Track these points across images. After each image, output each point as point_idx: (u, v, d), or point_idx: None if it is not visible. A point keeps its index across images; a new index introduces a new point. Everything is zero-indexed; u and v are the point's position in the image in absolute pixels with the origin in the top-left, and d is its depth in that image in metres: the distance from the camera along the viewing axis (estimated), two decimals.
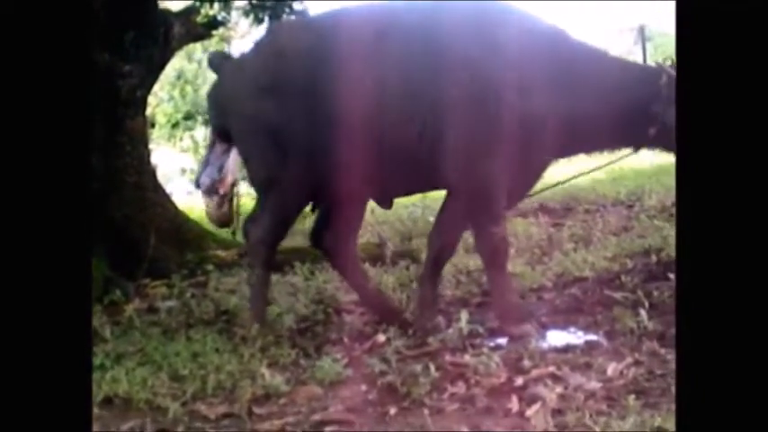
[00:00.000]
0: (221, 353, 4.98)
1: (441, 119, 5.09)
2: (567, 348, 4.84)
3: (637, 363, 4.47)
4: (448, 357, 4.72)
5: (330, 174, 5.30)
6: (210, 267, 7.40)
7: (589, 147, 5.48)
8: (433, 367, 4.40)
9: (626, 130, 5.25)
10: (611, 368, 4.37)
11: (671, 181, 10.93)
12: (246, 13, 12.13)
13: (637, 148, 5.44)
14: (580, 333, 5.16)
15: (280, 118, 5.28)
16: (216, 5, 11.51)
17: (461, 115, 5.08)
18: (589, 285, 6.31)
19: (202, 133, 17.77)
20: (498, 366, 4.42)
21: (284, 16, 11.15)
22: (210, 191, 5.93)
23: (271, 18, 11.58)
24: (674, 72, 4.89)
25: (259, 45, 5.78)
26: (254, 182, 5.79)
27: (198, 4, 11.14)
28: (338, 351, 5.04)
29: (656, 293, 5.67)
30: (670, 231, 7.39)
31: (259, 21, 11.70)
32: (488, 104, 5.05)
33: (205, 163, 6.05)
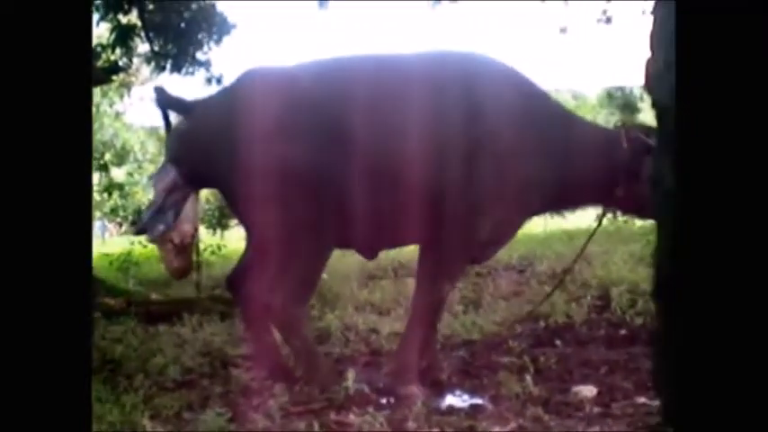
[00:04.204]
0: (103, 402, 4.88)
1: (443, 173, 5.18)
2: (452, 411, 4.84)
3: (520, 428, 4.48)
4: (333, 416, 4.68)
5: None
6: (98, 315, 7.27)
7: (563, 205, 5.82)
8: (317, 425, 4.36)
9: (596, 190, 5.58)
10: None
11: (562, 247, 11.14)
12: (148, 60, 12.12)
13: (605, 206, 5.80)
14: (465, 396, 5.16)
15: (312, 163, 5.11)
16: (118, 51, 11.45)
17: (457, 172, 5.18)
18: (477, 348, 6.36)
19: (96, 177, 17.58)
20: (383, 426, 4.40)
21: (185, 66, 11.16)
22: (164, 239, 5.61)
23: (172, 66, 11.57)
24: (632, 136, 5.44)
25: (252, 90, 5.41)
26: (266, 232, 5.39)
27: (99, 48, 11.06)
28: (223, 405, 4.97)
29: (542, 359, 5.73)
30: (558, 298, 7.50)
31: (161, 68, 11.69)
32: (479, 164, 5.17)
33: (157, 208, 5.60)
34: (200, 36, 11.69)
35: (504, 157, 5.24)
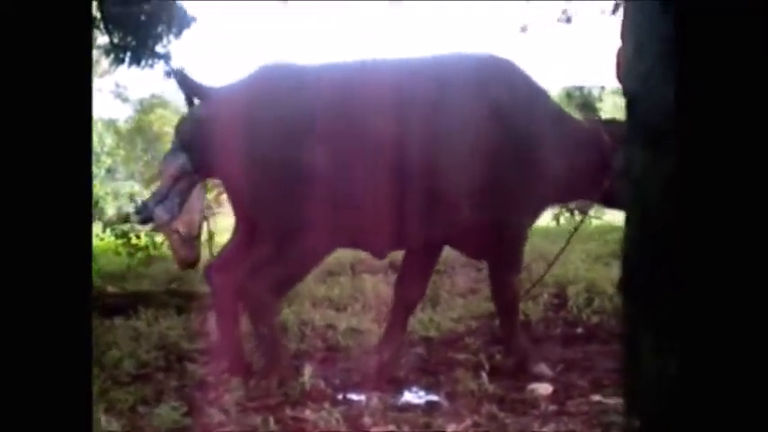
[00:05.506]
0: None
1: (467, 175, 5.35)
2: (408, 408, 4.85)
3: (475, 425, 4.49)
4: (289, 411, 4.67)
5: (356, 224, 5.30)
6: None
7: (565, 199, 6.46)
8: (272, 420, 4.36)
9: (591, 183, 5.80)
10: (450, 429, 4.38)
11: None
12: (107, 52, 12.03)
13: (595, 200, 6.12)
14: (422, 393, 5.17)
15: (325, 164, 5.14)
16: None
17: (482, 174, 5.36)
18: (434, 345, 6.37)
19: None
20: (339, 422, 4.40)
21: (144, 59, 11.08)
22: (169, 228, 5.47)
23: (131, 59, 11.50)
24: (611, 128, 5.70)
25: (273, 85, 5.44)
26: (267, 228, 5.37)
27: None
28: (178, 399, 4.95)
29: (498, 356, 5.74)
30: None
31: (120, 61, 11.60)
32: (504, 166, 5.40)
33: (161, 195, 5.57)
34: (159, 29, 11.61)
35: (527, 157, 5.43)
